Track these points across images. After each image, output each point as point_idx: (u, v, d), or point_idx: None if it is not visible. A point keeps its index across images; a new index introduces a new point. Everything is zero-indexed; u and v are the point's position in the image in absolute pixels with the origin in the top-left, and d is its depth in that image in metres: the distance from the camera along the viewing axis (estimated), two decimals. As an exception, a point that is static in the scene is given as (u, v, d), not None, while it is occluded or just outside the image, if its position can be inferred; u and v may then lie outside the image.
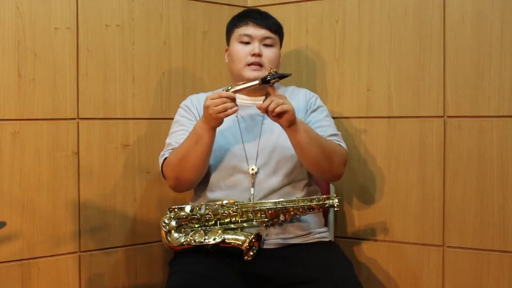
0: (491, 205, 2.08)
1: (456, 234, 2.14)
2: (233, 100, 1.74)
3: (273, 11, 2.01)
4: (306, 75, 2.37)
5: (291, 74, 1.80)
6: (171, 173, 1.86)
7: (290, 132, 1.77)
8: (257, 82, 1.75)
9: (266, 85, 1.77)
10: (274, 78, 1.74)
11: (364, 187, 2.28)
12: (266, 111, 1.72)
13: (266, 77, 1.74)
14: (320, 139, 1.83)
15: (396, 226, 2.23)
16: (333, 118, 2.02)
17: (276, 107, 1.70)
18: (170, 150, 1.89)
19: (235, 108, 1.74)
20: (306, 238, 1.87)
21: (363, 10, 2.26)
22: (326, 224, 2.06)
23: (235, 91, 1.76)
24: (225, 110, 1.72)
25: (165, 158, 1.89)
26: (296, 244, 1.85)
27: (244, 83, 1.78)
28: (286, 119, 1.72)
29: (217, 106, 1.72)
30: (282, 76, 1.75)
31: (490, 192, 2.08)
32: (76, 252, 2.09)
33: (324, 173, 1.88)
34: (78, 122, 2.09)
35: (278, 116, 1.72)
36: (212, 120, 1.75)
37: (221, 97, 1.73)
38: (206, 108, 1.74)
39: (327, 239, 1.93)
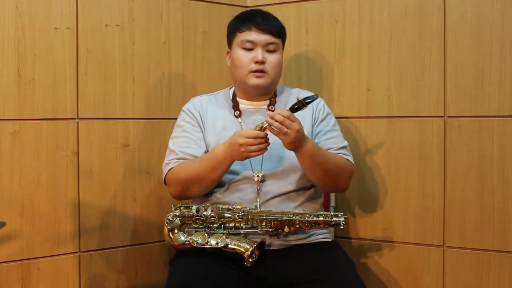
0: (491, 205, 2.08)
1: (456, 234, 2.13)
2: (267, 140, 1.74)
3: (273, 11, 2.01)
4: (306, 75, 2.37)
5: (317, 96, 1.75)
6: (178, 186, 1.87)
7: (295, 153, 1.79)
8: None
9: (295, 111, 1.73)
10: (303, 106, 1.72)
11: (364, 187, 2.28)
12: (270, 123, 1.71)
13: (295, 106, 1.71)
14: (326, 161, 1.82)
15: (396, 226, 2.23)
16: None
17: (277, 133, 1.70)
18: (176, 161, 1.88)
19: (267, 147, 1.75)
20: (308, 239, 1.87)
21: (363, 10, 2.26)
22: (326, 225, 2.07)
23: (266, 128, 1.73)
24: (259, 150, 1.73)
25: (171, 168, 1.88)
26: (298, 245, 1.85)
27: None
28: (285, 141, 1.73)
29: (251, 146, 1.72)
30: (310, 101, 1.72)
31: (490, 192, 2.08)
32: (76, 252, 2.09)
33: (329, 188, 1.97)
34: (78, 122, 2.09)
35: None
36: (240, 156, 1.75)
37: (257, 137, 1.72)
38: (238, 145, 1.72)
39: (329, 240, 1.94)
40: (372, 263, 2.27)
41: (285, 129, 1.69)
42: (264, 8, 2.04)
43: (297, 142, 1.73)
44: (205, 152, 1.90)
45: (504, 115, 2.05)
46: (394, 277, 2.24)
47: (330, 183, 1.88)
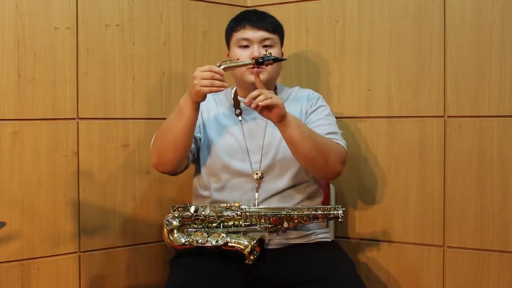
0: (491, 205, 2.08)
1: (456, 234, 2.13)
2: (222, 78, 1.70)
3: (272, 11, 2.01)
4: (306, 75, 2.37)
5: (286, 59, 1.81)
6: (154, 148, 1.85)
7: (281, 127, 1.73)
8: (250, 62, 1.77)
9: (259, 65, 1.77)
10: (268, 60, 1.74)
11: (364, 187, 2.28)
12: (255, 106, 1.68)
13: (260, 58, 1.75)
14: (314, 135, 1.79)
15: (397, 226, 2.23)
16: (333, 118, 2.02)
17: (265, 100, 1.67)
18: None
19: (222, 86, 1.70)
20: (308, 238, 1.88)
21: (363, 10, 2.26)
22: (326, 225, 2.06)
23: (226, 68, 1.74)
24: (211, 86, 1.68)
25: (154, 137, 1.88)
26: (298, 245, 1.85)
27: (237, 61, 1.79)
28: (276, 113, 1.69)
29: (204, 79, 1.68)
30: (276, 60, 1.76)
31: (490, 192, 2.08)
32: (76, 252, 2.09)
33: (320, 169, 1.83)
34: (78, 122, 2.09)
35: (267, 109, 1.69)
36: (194, 92, 1.70)
37: (211, 71, 1.69)
38: (192, 78, 1.70)
39: (329, 239, 1.94)
40: (372, 263, 2.27)
41: (270, 95, 1.67)
42: (264, 8, 2.04)
43: (283, 109, 1.70)
44: (198, 139, 1.91)
45: (504, 115, 2.05)
46: (394, 277, 2.24)
47: (320, 162, 1.77)
